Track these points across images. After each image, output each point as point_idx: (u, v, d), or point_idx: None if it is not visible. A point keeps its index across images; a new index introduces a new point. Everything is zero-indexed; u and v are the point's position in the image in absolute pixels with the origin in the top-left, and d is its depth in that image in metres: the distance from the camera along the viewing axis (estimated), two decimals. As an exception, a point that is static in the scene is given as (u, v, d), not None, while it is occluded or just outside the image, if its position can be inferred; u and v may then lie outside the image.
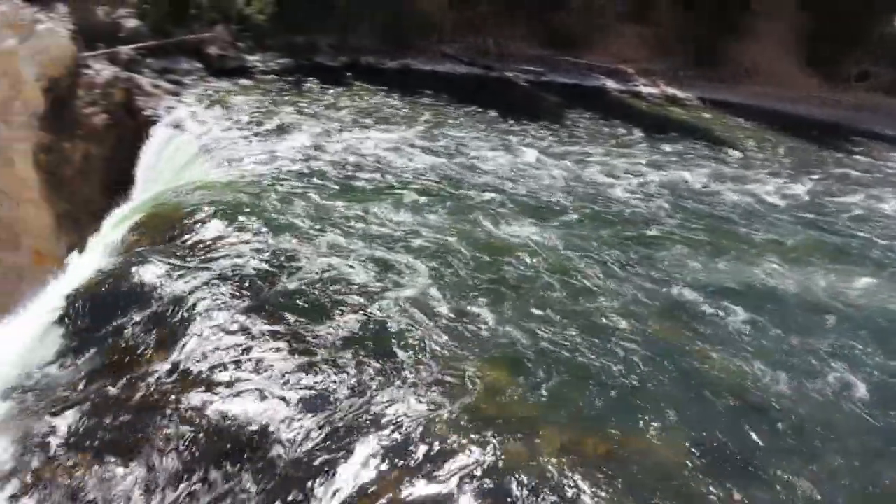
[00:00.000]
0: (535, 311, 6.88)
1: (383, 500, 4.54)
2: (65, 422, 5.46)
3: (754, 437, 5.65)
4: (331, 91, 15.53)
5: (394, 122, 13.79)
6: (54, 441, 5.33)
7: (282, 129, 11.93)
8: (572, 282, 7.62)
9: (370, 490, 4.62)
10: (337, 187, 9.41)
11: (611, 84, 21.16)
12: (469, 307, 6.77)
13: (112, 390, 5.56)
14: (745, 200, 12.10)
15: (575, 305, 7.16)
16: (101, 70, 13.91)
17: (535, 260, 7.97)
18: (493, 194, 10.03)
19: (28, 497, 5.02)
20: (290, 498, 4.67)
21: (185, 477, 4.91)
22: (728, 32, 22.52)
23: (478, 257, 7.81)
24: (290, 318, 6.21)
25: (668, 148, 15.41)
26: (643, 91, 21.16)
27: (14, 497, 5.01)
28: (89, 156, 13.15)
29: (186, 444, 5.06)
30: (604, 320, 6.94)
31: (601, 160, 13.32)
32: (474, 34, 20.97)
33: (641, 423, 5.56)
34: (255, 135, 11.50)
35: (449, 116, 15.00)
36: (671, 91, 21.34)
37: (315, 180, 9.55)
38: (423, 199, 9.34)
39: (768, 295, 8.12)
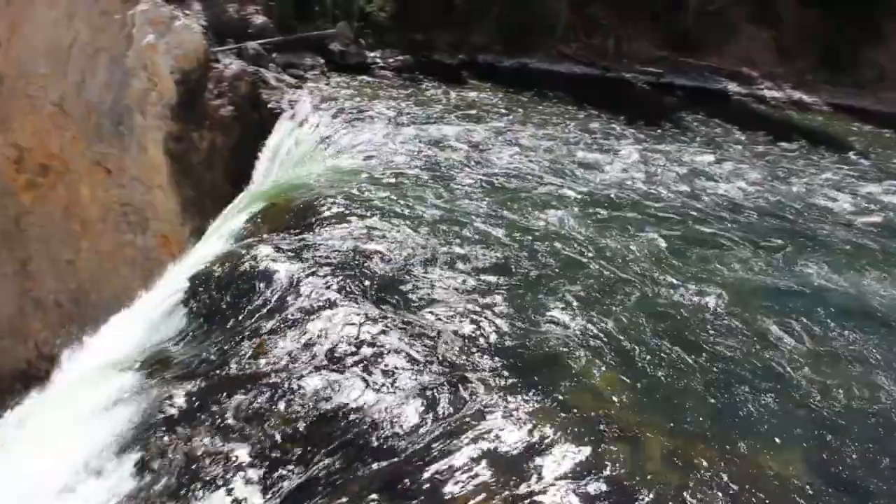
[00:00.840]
0: (641, 314, 6.79)
1: (482, 499, 4.58)
2: (185, 397, 5.72)
3: (871, 462, 5.41)
4: (447, 88, 15.72)
5: (509, 120, 13.84)
6: (175, 414, 5.61)
7: (398, 124, 12.16)
8: (680, 287, 7.48)
9: (469, 488, 4.66)
10: (451, 181, 9.52)
11: (733, 87, 20.56)
12: (576, 308, 6.75)
13: (230, 370, 5.81)
14: (875, 217, 11.52)
15: (681, 311, 7.02)
16: (230, 64, 14.52)
17: (644, 263, 7.86)
18: (602, 196, 9.94)
19: (149, 465, 5.28)
20: (391, 487, 4.75)
21: (293, 457, 5.07)
22: (860, 34, 21.49)
23: (584, 258, 7.78)
24: (402, 309, 6.33)
25: (787, 155, 14.86)
26: (767, 95, 20.47)
27: (136, 464, 5.30)
28: (215, 145, 13.75)
29: (296, 426, 5.24)
30: (711, 328, 6.78)
31: (715, 165, 12.97)
32: (593, 34, 20.77)
33: (748, 435, 5.41)
34: (373, 129, 11.75)
35: (565, 117, 14.94)
36: (797, 95, 20.57)
37: (430, 174, 9.69)
38: (535, 198, 9.35)
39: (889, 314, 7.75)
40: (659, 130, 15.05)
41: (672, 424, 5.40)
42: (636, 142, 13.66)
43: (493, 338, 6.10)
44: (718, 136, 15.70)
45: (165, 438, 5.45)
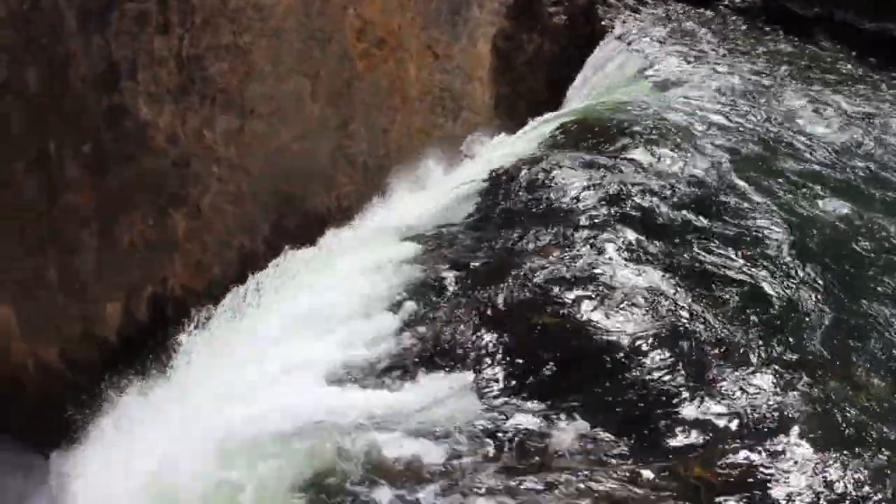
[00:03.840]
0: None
1: (720, 462, 4.51)
2: (456, 276, 6.19)
3: None
4: (792, 42, 14.52)
5: (852, 92, 12.48)
6: (444, 289, 6.09)
7: (730, 68, 11.47)
8: None
9: (705, 444, 4.62)
10: (771, 143, 8.75)
11: None
12: (875, 302, 6.12)
13: (504, 264, 6.09)
14: None
15: None
16: (573, -26, 14.48)
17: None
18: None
19: (409, 326, 5.80)
20: (628, 419, 4.84)
21: (540, 365, 5.26)
22: None
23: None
24: (679, 251, 6.19)
25: None
26: None
27: (401, 321, 5.85)
28: (541, 51, 13.95)
29: (550, 336, 5.43)
30: None
31: None
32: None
33: None
34: (701, 66, 11.22)
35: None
36: None
37: (752, 127, 8.99)
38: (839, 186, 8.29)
39: None
40: None
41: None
42: None
43: (762, 302, 5.75)
44: None
45: (429, 308, 5.94)
